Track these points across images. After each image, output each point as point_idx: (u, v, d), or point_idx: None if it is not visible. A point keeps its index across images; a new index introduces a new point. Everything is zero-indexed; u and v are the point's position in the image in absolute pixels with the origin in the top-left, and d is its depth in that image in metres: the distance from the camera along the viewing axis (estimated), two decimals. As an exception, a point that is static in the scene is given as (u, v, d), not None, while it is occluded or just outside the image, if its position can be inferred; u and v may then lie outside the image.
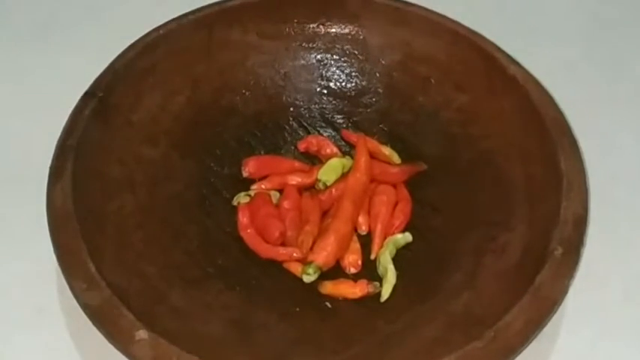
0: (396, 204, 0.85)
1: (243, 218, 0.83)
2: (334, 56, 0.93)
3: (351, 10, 0.92)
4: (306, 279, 0.79)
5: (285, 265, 0.81)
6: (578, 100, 0.91)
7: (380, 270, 0.80)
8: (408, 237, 0.82)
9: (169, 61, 0.88)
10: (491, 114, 0.86)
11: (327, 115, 0.93)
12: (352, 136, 0.90)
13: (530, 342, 0.69)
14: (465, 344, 0.67)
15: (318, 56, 0.93)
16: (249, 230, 0.82)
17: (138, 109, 0.85)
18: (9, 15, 1.07)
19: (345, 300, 0.78)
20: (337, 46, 0.93)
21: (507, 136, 0.84)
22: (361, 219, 0.84)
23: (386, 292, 0.78)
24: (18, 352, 0.77)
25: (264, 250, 0.81)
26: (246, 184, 0.85)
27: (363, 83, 0.93)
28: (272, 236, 0.81)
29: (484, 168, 0.84)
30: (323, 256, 0.79)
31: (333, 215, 0.82)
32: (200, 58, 0.90)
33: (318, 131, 0.92)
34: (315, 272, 0.78)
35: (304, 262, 0.79)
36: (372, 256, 0.82)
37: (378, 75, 0.92)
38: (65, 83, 0.89)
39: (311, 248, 0.80)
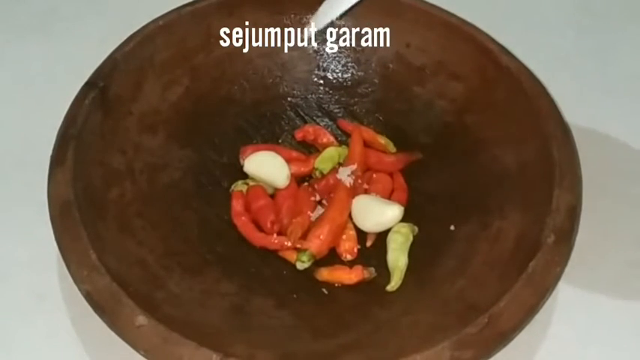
0: (392, 192, 0.86)
1: (236, 206, 0.84)
2: (331, 47, 0.94)
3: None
4: (300, 266, 0.80)
5: (281, 253, 0.81)
6: (570, 90, 0.92)
7: (390, 258, 0.81)
8: (414, 229, 0.83)
9: (169, 51, 0.88)
10: (485, 104, 0.86)
11: (323, 105, 0.93)
12: (348, 126, 0.91)
13: (523, 328, 0.70)
14: (459, 330, 0.67)
15: (315, 47, 0.94)
16: (242, 218, 0.83)
17: (138, 99, 0.85)
18: (11, 5, 1.07)
19: (341, 286, 0.79)
20: (333, 37, 0.94)
21: (501, 126, 0.85)
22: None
23: (396, 283, 0.79)
24: (19, 339, 0.77)
25: (257, 239, 0.82)
26: (243, 172, 0.86)
27: (359, 74, 0.93)
28: (265, 226, 0.82)
29: (478, 157, 0.85)
30: (317, 244, 0.80)
31: (328, 204, 0.83)
32: (199, 49, 0.90)
33: (315, 121, 0.93)
34: (308, 260, 0.79)
35: (298, 250, 0.80)
36: (368, 244, 0.83)
37: (373, 65, 0.93)
38: (66, 73, 0.89)
39: (305, 237, 0.80)
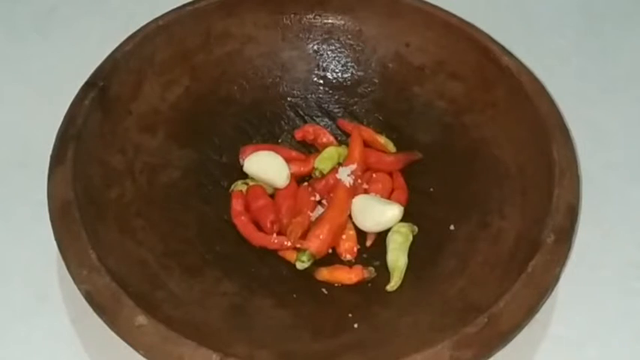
0: (392, 192, 0.86)
1: (236, 206, 0.83)
2: (330, 47, 0.94)
3: (347, 2, 0.92)
4: (300, 266, 0.79)
5: (281, 253, 0.81)
6: (570, 90, 0.92)
7: (390, 258, 0.81)
8: (414, 228, 0.83)
9: (168, 51, 0.88)
10: (485, 104, 0.86)
11: (323, 105, 0.93)
12: (348, 126, 0.90)
13: (523, 328, 0.70)
14: (459, 330, 0.67)
15: (315, 47, 0.94)
16: (242, 218, 0.83)
17: (137, 98, 0.85)
18: (11, 5, 1.07)
19: (341, 286, 0.79)
20: (333, 36, 0.93)
21: (501, 126, 0.85)
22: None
23: (396, 282, 0.79)
24: (19, 339, 0.77)
25: (257, 239, 0.82)
26: (243, 172, 0.86)
27: (359, 73, 0.93)
28: (265, 226, 0.82)
29: (478, 157, 0.85)
30: (317, 244, 0.80)
31: (328, 204, 0.83)
32: (198, 49, 0.90)
33: (315, 120, 0.92)
34: (308, 260, 0.79)
35: (298, 249, 0.80)
36: (368, 244, 0.83)
37: (373, 65, 0.93)
38: (66, 73, 0.89)
39: (304, 237, 0.80)
